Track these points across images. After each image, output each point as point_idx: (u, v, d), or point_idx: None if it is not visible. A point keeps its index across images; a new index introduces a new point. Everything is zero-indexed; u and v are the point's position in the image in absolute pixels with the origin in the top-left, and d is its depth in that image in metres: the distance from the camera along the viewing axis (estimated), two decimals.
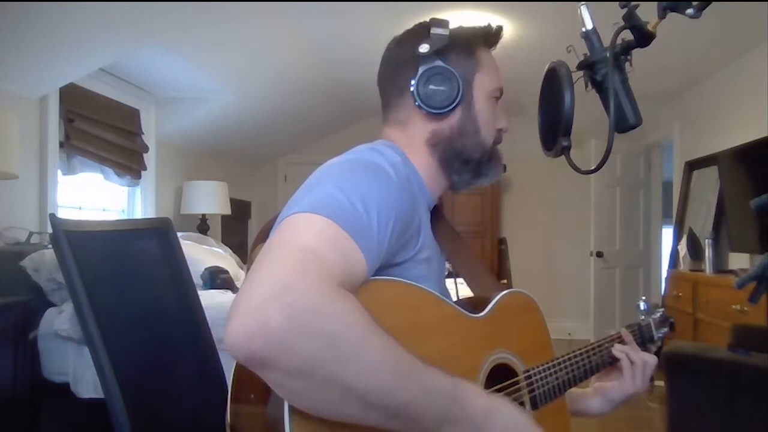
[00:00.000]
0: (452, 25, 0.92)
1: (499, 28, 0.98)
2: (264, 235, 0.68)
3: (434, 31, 0.90)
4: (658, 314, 1.23)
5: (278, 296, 0.57)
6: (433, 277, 0.87)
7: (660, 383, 2.67)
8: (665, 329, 1.22)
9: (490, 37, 0.97)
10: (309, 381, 0.58)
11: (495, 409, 0.72)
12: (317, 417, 0.62)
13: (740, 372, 1.98)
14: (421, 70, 0.89)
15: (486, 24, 0.98)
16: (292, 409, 0.63)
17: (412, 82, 0.89)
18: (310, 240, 0.64)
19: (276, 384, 0.60)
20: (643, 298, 1.27)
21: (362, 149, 0.85)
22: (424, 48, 0.89)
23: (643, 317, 1.22)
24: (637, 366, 1.07)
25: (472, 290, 1.03)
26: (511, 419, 0.74)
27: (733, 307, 2.95)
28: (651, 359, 1.09)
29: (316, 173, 0.78)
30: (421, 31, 0.92)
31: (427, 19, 0.93)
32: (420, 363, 0.65)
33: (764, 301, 0.90)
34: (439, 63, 0.89)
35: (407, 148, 0.92)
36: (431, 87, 0.89)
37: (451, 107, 0.90)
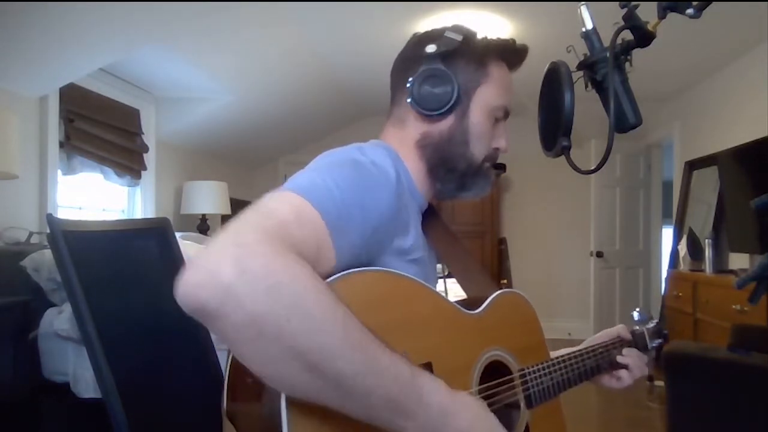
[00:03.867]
0: (479, 35, 0.93)
1: (524, 47, 0.97)
2: None
3: (447, 34, 0.90)
4: (653, 325, 1.24)
5: (230, 249, 0.58)
6: (424, 279, 0.87)
7: (660, 383, 2.67)
8: (659, 340, 1.24)
9: (507, 52, 0.95)
10: (253, 332, 0.57)
11: (455, 407, 0.68)
12: (313, 409, 0.62)
13: (740, 372, 1.98)
14: (420, 69, 0.90)
15: (509, 38, 0.96)
16: (289, 402, 0.63)
17: (410, 80, 0.90)
18: (277, 208, 0.66)
19: (222, 334, 0.59)
20: (637, 309, 1.27)
21: (348, 147, 0.85)
22: (430, 48, 0.89)
23: (637, 327, 1.24)
24: (636, 374, 1.16)
25: (465, 291, 1.03)
26: (467, 422, 0.69)
27: (733, 307, 2.95)
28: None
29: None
30: (438, 33, 0.92)
31: (450, 25, 0.93)
32: (377, 341, 0.63)
33: (764, 301, 0.90)
34: (439, 66, 0.89)
35: (400, 149, 0.92)
36: (426, 88, 0.89)
37: (440, 111, 0.90)
